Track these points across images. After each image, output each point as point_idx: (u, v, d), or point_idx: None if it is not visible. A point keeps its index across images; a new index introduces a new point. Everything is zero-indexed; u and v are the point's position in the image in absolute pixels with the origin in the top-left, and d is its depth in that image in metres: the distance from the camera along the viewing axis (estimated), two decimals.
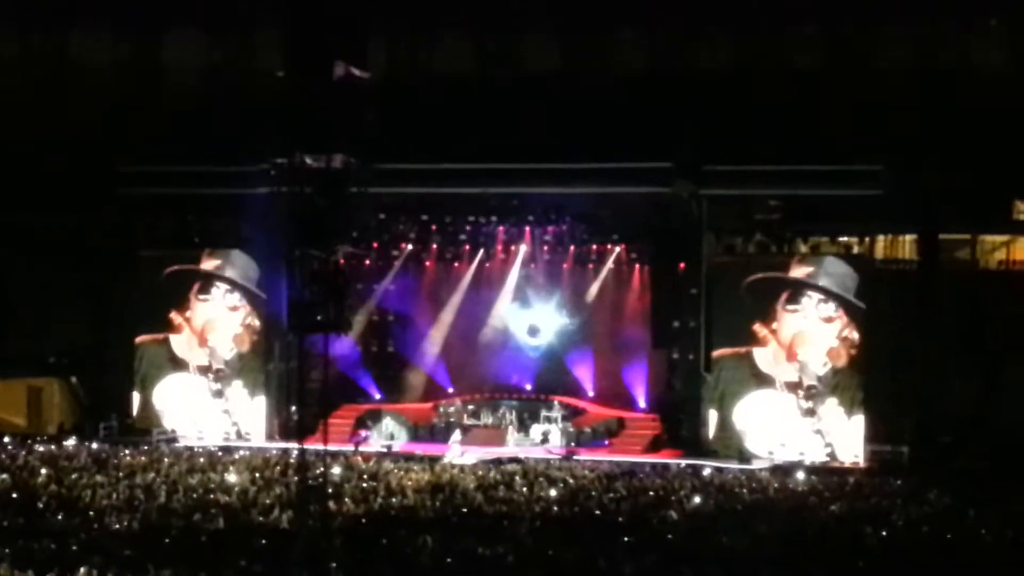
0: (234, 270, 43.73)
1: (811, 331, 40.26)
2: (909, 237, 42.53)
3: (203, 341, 43.90)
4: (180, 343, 44.11)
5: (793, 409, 40.27)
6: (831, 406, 40.05)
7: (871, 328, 39.74)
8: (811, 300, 40.21)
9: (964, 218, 41.63)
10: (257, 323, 43.41)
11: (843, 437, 39.81)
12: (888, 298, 40.13)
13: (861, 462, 39.13)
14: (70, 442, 39.64)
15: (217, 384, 43.80)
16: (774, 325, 40.49)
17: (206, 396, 43.80)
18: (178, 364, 44.06)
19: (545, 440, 41.38)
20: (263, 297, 43.06)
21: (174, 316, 43.99)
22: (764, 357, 40.57)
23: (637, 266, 44.04)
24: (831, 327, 40.07)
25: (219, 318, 43.87)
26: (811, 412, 40.16)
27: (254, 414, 43.39)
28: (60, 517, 27.32)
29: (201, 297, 43.92)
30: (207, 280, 43.84)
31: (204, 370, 43.92)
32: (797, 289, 40.33)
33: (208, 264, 43.91)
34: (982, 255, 42.90)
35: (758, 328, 40.50)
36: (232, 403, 43.63)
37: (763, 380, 40.57)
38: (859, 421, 39.68)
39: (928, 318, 40.26)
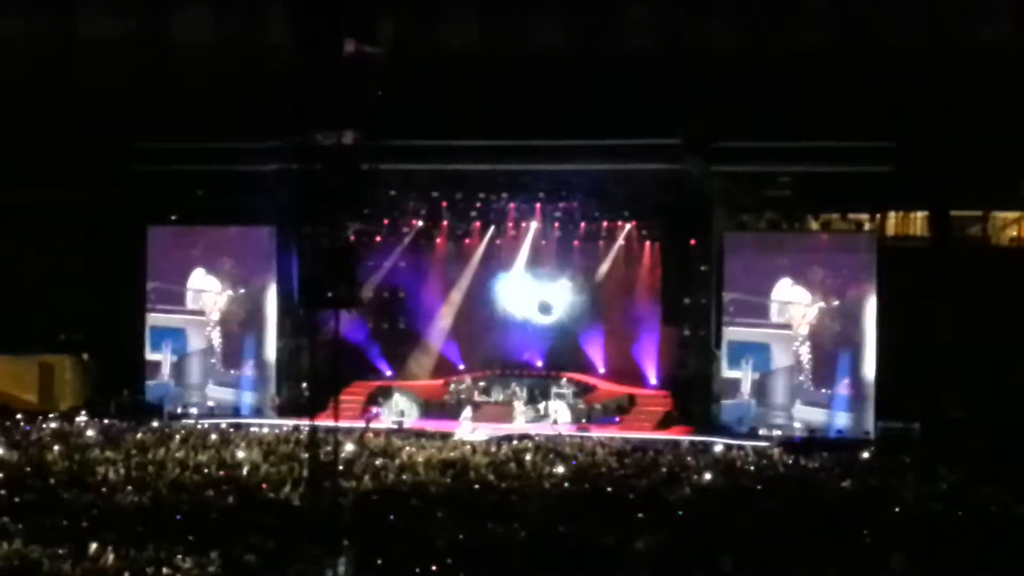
0: (242, 244, 43.39)
1: (816, 309, 39.63)
2: (920, 214, 42.43)
3: (209, 320, 43.44)
4: (186, 322, 43.66)
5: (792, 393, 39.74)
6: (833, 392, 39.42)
7: (881, 306, 39.34)
8: (816, 275, 39.64)
9: (976, 195, 41.48)
10: (265, 301, 43.04)
11: (849, 423, 38.99)
12: (899, 275, 39.96)
13: (871, 438, 38.80)
14: (81, 418, 39.75)
15: (223, 367, 43.44)
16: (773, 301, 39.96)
17: (211, 377, 43.37)
18: (183, 343, 43.56)
19: (555, 421, 41.24)
20: (273, 273, 42.76)
21: (180, 292, 43.56)
22: (765, 335, 39.94)
23: (648, 243, 43.87)
24: (834, 305, 39.47)
25: (225, 296, 43.46)
26: (809, 398, 39.46)
27: (262, 394, 42.98)
28: (72, 493, 27.43)
29: (208, 273, 43.54)
30: (214, 255, 43.47)
31: (209, 352, 43.52)
32: (801, 263, 39.82)
33: (215, 238, 43.53)
34: (994, 232, 42.79)
35: (761, 304, 39.93)
36: (238, 386, 43.20)
37: (763, 359, 39.95)
38: (868, 407, 38.93)
39: (939, 295, 40.16)
